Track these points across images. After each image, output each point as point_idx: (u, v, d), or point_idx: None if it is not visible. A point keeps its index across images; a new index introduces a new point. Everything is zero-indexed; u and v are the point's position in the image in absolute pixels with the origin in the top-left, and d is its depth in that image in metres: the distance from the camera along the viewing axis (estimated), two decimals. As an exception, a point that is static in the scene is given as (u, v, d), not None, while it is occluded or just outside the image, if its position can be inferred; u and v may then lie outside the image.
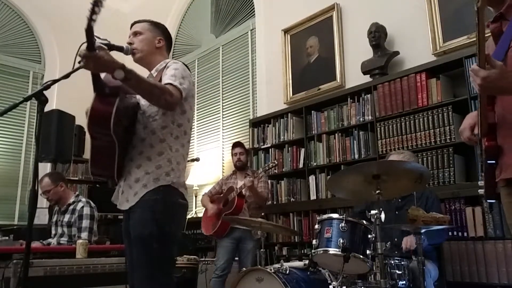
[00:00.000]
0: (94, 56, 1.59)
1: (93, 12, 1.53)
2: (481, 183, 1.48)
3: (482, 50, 1.25)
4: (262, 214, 3.93)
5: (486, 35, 1.29)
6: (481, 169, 1.49)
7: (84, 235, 3.30)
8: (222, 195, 3.86)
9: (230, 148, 4.02)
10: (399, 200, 2.74)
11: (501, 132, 1.38)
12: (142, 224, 1.81)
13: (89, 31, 1.54)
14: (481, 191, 1.49)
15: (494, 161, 1.40)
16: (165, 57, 2.11)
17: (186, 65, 2.01)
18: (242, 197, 3.69)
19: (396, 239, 2.56)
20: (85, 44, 1.56)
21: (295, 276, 2.44)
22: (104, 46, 1.65)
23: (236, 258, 3.73)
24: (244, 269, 2.81)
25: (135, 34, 2.05)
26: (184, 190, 1.93)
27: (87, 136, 6.23)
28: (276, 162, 3.84)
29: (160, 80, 1.89)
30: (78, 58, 1.67)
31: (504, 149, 1.38)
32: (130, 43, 2.04)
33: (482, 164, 1.46)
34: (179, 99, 1.85)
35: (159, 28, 2.12)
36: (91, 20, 1.54)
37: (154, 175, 1.84)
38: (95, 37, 1.58)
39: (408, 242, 2.44)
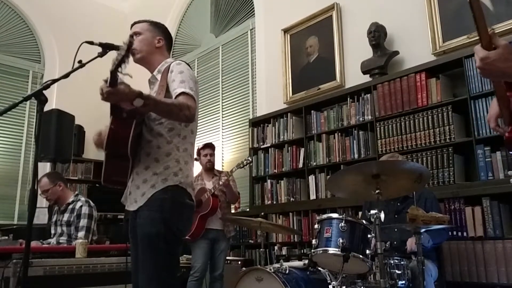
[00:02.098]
0: (116, 92, 1.64)
1: (122, 60, 1.61)
2: (511, 172, 1.43)
3: (483, 32, 1.14)
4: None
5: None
6: None
7: (82, 234, 3.30)
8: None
9: (201, 149, 3.92)
10: (398, 204, 2.74)
11: None
12: (150, 223, 1.81)
13: (115, 72, 1.60)
14: None
15: None
16: (165, 56, 2.10)
17: (187, 63, 2.01)
18: (216, 196, 3.68)
19: (395, 242, 2.56)
20: (108, 80, 1.62)
21: (295, 276, 2.45)
22: (123, 80, 1.68)
23: None
24: (244, 269, 2.80)
25: (135, 34, 2.05)
26: (191, 190, 1.94)
27: (87, 136, 6.28)
28: (251, 160, 3.86)
29: (166, 84, 1.89)
30: (78, 58, 1.69)
31: None
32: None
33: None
34: (195, 107, 1.85)
35: (159, 28, 2.12)
36: (119, 66, 1.61)
37: (162, 176, 1.85)
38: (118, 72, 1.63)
39: (413, 244, 2.44)
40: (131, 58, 1.78)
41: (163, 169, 1.85)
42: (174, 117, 1.82)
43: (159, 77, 2.00)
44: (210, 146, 3.95)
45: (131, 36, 1.72)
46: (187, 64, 2.01)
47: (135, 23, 2.11)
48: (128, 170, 1.88)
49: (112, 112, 1.83)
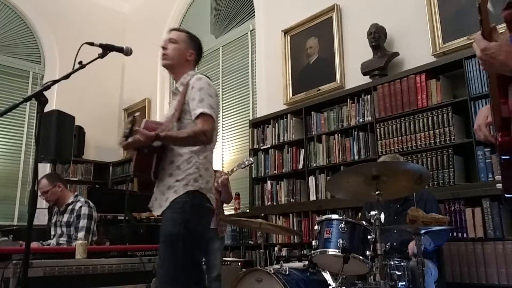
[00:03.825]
0: (133, 143, 1.89)
1: (130, 133, 1.89)
2: (498, 177, 1.44)
3: (485, 21, 1.14)
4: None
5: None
6: (498, 164, 1.43)
7: (81, 234, 3.29)
8: None
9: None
10: (398, 205, 2.74)
11: None
12: (172, 223, 1.94)
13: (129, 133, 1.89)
14: (499, 186, 1.45)
15: (508, 156, 1.34)
16: (191, 69, 2.22)
17: (207, 76, 2.16)
18: None
19: (395, 243, 2.56)
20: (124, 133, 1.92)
21: (295, 277, 2.44)
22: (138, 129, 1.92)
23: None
24: (244, 270, 2.80)
25: (171, 41, 2.17)
26: (211, 195, 2.07)
27: (87, 137, 6.28)
28: (252, 160, 3.85)
29: (183, 101, 2.05)
30: (78, 59, 1.72)
31: None
32: (164, 47, 2.17)
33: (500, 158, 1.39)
34: (213, 127, 2.02)
35: (194, 42, 2.24)
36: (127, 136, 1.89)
37: (183, 182, 1.99)
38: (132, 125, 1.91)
39: (415, 247, 2.44)
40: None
41: (185, 176, 1.99)
42: (191, 145, 2.02)
43: (181, 89, 2.12)
44: None
45: (133, 117, 1.96)
46: (208, 77, 2.14)
47: (174, 29, 2.25)
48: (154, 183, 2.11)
49: (135, 148, 2.04)
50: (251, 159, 3.84)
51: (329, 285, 2.36)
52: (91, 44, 1.91)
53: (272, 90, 4.68)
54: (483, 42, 1.17)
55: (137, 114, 1.97)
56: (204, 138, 1.96)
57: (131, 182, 5.62)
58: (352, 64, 3.96)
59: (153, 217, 4.60)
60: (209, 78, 2.16)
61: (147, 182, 2.10)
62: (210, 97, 2.04)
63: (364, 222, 2.30)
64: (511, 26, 1.27)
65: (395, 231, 2.61)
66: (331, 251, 2.20)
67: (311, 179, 3.94)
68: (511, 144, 1.31)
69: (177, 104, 2.08)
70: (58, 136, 4.85)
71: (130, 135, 1.87)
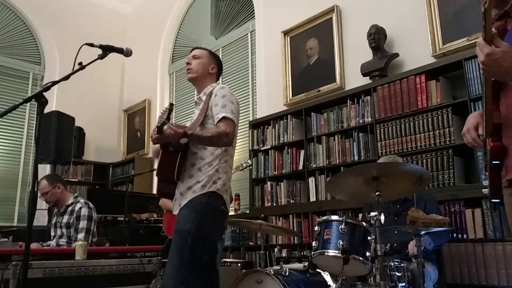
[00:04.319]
0: (164, 137, 2.00)
1: (167, 120, 1.96)
2: (485, 182, 1.46)
3: (488, 27, 1.15)
4: None
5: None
6: (485, 169, 1.46)
7: (81, 236, 3.30)
8: None
9: None
10: (398, 206, 2.74)
11: (506, 133, 1.35)
12: (185, 220, 2.05)
13: (161, 127, 1.98)
14: (485, 191, 1.48)
15: (498, 162, 1.38)
16: (214, 82, 2.39)
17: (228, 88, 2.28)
18: None
19: (395, 244, 2.56)
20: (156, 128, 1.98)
21: (295, 278, 2.45)
22: (169, 125, 2.02)
23: None
24: (244, 271, 2.80)
25: (194, 57, 2.36)
26: (227, 198, 2.17)
27: (87, 138, 6.28)
28: (251, 163, 3.84)
29: (207, 107, 2.20)
30: (78, 60, 1.74)
31: (509, 150, 1.34)
32: (188, 63, 2.36)
33: (486, 164, 1.43)
34: (234, 131, 2.16)
35: (215, 58, 2.44)
36: (163, 125, 1.96)
37: (202, 183, 2.10)
38: (165, 121, 1.98)
39: (415, 247, 2.44)
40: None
41: (205, 178, 2.11)
42: (215, 145, 2.14)
43: (204, 98, 2.28)
44: None
45: (171, 104, 2.05)
46: (229, 88, 2.28)
47: (195, 48, 2.42)
48: (176, 186, 2.21)
49: (161, 146, 2.16)
50: (249, 161, 3.83)
51: (329, 286, 2.36)
52: (91, 45, 1.91)
53: (272, 91, 4.69)
54: (488, 47, 1.16)
55: (174, 102, 2.05)
56: (226, 139, 2.09)
57: (131, 183, 5.62)
58: (352, 65, 3.96)
59: (153, 218, 4.60)
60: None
61: (167, 183, 2.20)
62: (231, 103, 2.17)
63: (364, 223, 2.30)
64: (502, 38, 1.28)
65: (395, 232, 2.61)
66: (331, 252, 2.20)
67: (311, 180, 3.94)
68: (501, 150, 1.35)
69: (200, 110, 2.22)
70: (58, 137, 4.85)
71: (160, 131, 1.96)
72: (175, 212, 2.16)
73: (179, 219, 2.09)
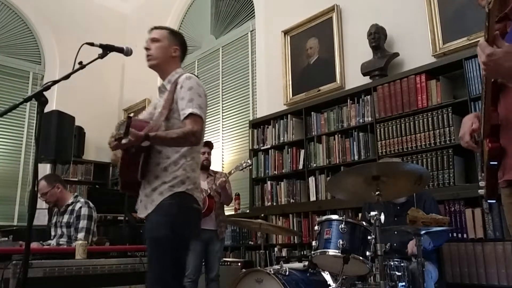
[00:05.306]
0: (124, 145, 1.81)
1: (125, 134, 1.77)
2: (482, 183, 1.47)
3: (491, 27, 1.15)
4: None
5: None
6: (482, 170, 1.47)
7: (81, 235, 3.29)
8: None
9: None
10: (398, 208, 2.74)
11: (505, 134, 1.36)
12: (157, 227, 1.91)
13: (119, 140, 1.80)
14: (481, 191, 1.48)
15: (496, 162, 1.39)
16: (178, 66, 2.17)
17: (196, 75, 2.10)
18: (212, 197, 3.64)
19: (395, 244, 2.56)
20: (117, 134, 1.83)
21: (295, 278, 2.45)
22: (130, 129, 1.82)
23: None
24: (244, 270, 2.80)
25: (153, 40, 2.13)
26: (198, 195, 2.03)
27: (87, 137, 6.28)
28: (251, 163, 3.84)
29: (172, 99, 2.00)
30: (78, 59, 1.72)
31: (507, 151, 1.35)
32: (147, 48, 2.12)
33: (483, 164, 1.44)
34: (202, 128, 1.98)
35: (177, 38, 2.19)
36: (120, 140, 1.78)
37: (170, 184, 1.95)
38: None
39: (414, 247, 2.44)
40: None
41: (172, 178, 1.95)
42: (181, 146, 1.98)
43: (168, 87, 2.08)
44: (208, 145, 3.95)
45: (129, 117, 1.84)
46: (197, 76, 2.09)
47: (154, 28, 2.17)
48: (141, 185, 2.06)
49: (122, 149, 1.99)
50: (249, 161, 3.82)
51: (329, 285, 2.37)
52: (91, 44, 1.91)
53: (272, 90, 4.68)
54: (489, 48, 1.16)
55: (131, 115, 1.94)
56: (193, 139, 1.93)
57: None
58: (352, 65, 3.96)
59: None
60: (197, 77, 2.10)
61: (131, 182, 2.05)
62: (199, 97, 1.99)
63: (364, 223, 2.30)
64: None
65: (395, 231, 2.61)
66: (331, 252, 2.20)
67: (311, 180, 3.94)
68: (499, 151, 1.36)
69: (165, 103, 2.03)
70: (58, 137, 4.85)
71: (124, 136, 1.80)
72: (141, 214, 2.01)
73: (151, 227, 1.94)
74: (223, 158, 5.29)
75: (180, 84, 2.00)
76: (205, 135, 5.94)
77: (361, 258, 2.16)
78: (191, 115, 1.94)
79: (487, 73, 1.26)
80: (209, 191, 3.62)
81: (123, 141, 1.77)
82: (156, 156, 1.99)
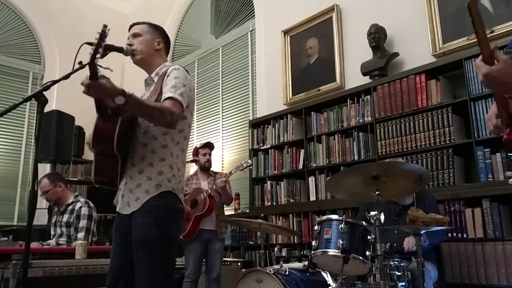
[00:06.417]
0: (96, 85, 1.64)
1: (96, 50, 1.63)
2: (509, 173, 1.45)
3: (484, 43, 1.17)
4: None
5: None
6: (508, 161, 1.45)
7: (81, 235, 3.29)
8: (186, 196, 3.68)
9: (200, 148, 3.91)
10: (401, 207, 2.74)
11: None
12: (146, 228, 1.83)
13: (92, 63, 1.62)
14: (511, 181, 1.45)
15: None
16: (164, 59, 2.13)
17: (185, 69, 2.03)
18: (212, 197, 3.63)
19: (395, 243, 2.56)
20: (88, 73, 1.64)
21: (295, 277, 2.45)
22: (104, 75, 1.68)
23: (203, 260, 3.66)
24: (244, 270, 2.80)
25: (134, 35, 2.06)
26: (181, 195, 1.97)
27: (87, 137, 6.24)
28: (251, 163, 3.83)
29: (160, 88, 1.92)
30: (78, 59, 1.70)
31: None
32: (129, 45, 2.05)
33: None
34: (180, 114, 1.87)
35: (158, 31, 2.13)
36: (94, 57, 1.62)
37: (156, 181, 1.86)
38: (98, 66, 1.64)
39: (410, 242, 2.44)
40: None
41: (157, 175, 1.87)
42: (155, 121, 1.83)
43: (156, 79, 2.02)
44: (209, 146, 3.95)
45: (105, 26, 1.68)
46: (186, 70, 2.02)
47: (134, 24, 2.12)
48: (117, 169, 1.89)
49: (97, 109, 1.85)
50: (249, 161, 3.82)
51: (329, 285, 2.36)
52: (91, 44, 1.90)
53: (272, 90, 4.68)
54: (484, 67, 1.19)
55: (108, 28, 1.69)
56: (170, 118, 1.79)
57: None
58: (352, 65, 3.96)
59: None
60: (187, 71, 2.05)
61: (105, 167, 1.90)
62: (183, 86, 1.91)
63: (364, 223, 2.30)
64: None
65: (395, 231, 2.61)
66: (331, 252, 2.20)
67: (311, 180, 3.94)
68: None
69: (152, 92, 1.97)
70: (58, 136, 4.84)
71: (93, 77, 1.62)
72: (123, 211, 1.92)
73: (138, 227, 1.84)
74: (223, 158, 5.29)
75: (168, 73, 1.96)
76: (205, 135, 5.97)
77: (361, 258, 2.16)
78: (170, 98, 1.85)
79: (486, 87, 1.27)
80: (209, 191, 3.62)
81: (97, 81, 1.59)
82: (141, 150, 1.89)
